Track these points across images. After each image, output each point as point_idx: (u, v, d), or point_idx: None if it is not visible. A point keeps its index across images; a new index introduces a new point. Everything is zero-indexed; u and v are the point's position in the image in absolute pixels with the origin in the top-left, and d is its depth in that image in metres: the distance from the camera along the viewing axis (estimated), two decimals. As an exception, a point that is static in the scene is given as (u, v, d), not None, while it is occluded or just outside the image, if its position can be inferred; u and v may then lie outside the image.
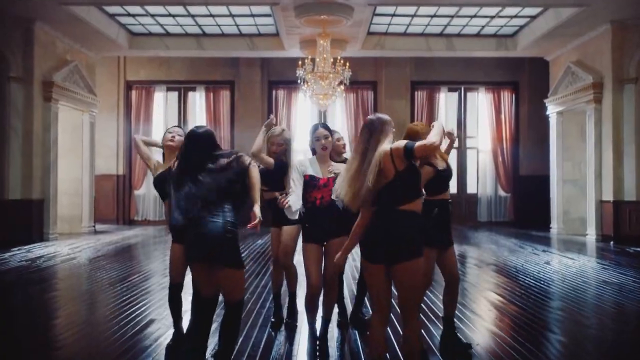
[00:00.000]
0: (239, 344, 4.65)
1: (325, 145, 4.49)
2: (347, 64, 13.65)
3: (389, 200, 3.39)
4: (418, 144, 3.36)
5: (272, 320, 5.34)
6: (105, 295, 7.13)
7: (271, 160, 4.99)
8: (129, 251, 11.49)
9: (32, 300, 6.73)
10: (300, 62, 13.42)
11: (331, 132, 4.56)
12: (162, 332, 5.12)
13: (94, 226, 14.84)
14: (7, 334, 5.25)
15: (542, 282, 7.70)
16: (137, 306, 6.16)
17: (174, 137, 4.58)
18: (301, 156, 5.96)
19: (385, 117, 3.58)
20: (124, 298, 6.62)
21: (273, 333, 5.09)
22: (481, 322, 5.68)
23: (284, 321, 5.32)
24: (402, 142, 3.41)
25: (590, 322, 5.78)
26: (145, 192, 17.30)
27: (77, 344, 4.93)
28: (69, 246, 11.54)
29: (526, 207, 16.68)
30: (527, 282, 7.69)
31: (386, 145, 3.43)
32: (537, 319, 5.80)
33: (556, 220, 14.65)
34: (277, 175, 5.01)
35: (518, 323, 5.61)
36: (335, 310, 5.13)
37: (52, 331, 5.45)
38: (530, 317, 5.80)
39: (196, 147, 3.76)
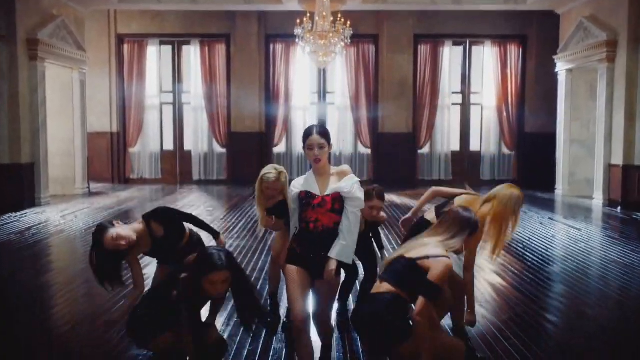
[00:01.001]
0: (232, 353, 4.37)
1: (318, 157, 3.63)
2: (348, 22, 12.96)
3: None
4: (422, 306, 3.28)
5: (268, 319, 5.04)
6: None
7: (272, 222, 4.52)
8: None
9: (26, 289, 6.38)
10: (298, 21, 12.74)
11: (329, 138, 3.70)
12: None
13: (88, 187, 14.51)
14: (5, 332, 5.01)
15: (548, 263, 7.42)
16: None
17: (125, 242, 3.96)
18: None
19: (471, 220, 3.58)
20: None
21: (269, 337, 4.79)
22: (478, 310, 5.37)
23: (282, 321, 5.03)
24: (435, 267, 3.33)
25: (594, 312, 5.55)
26: (140, 149, 16.92)
27: (75, 342, 4.76)
28: (61, 213, 11.24)
29: (531, 166, 16.32)
30: (534, 262, 7.40)
31: (441, 246, 3.45)
32: (539, 307, 5.60)
33: (561, 181, 14.29)
34: (279, 211, 4.64)
35: (517, 312, 5.41)
36: (335, 306, 4.82)
37: (48, 326, 5.18)
38: (531, 306, 5.59)
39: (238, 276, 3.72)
